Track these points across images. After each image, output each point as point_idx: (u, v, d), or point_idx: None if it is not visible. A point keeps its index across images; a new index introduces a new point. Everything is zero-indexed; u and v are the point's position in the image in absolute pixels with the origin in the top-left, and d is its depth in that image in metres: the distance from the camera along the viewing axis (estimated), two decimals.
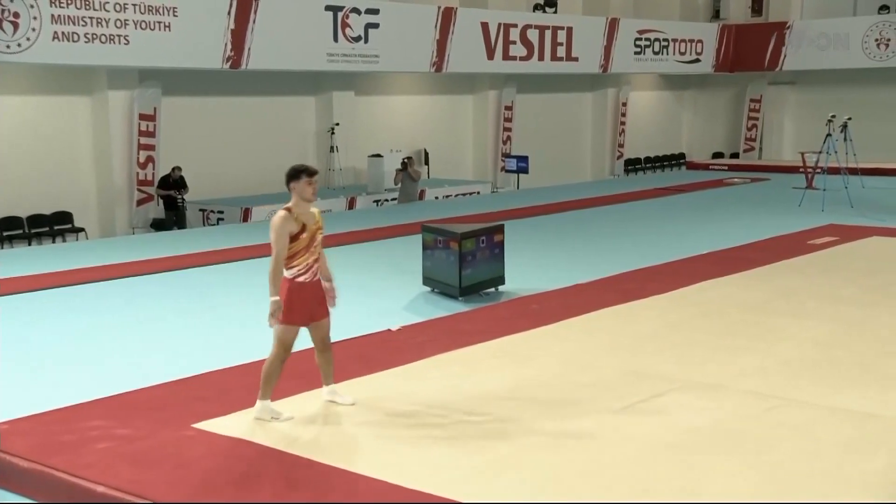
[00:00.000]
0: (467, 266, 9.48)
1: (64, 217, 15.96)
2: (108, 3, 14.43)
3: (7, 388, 6.71)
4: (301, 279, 5.49)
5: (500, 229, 10.11)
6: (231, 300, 9.67)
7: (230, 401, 5.94)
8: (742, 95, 27.87)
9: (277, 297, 5.40)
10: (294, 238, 5.41)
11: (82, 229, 16.07)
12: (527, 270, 10.71)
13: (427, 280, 9.93)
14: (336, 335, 7.60)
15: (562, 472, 4.93)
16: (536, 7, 23.89)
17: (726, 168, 24.41)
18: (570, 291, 9.57)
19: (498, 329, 7.93)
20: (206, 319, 8.90)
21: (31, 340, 8.17)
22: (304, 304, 5.49)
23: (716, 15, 27.90)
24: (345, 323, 8.20)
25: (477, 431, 5.53)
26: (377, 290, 10.01)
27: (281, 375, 5.65)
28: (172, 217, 16.64)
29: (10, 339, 8.25)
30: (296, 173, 5.52)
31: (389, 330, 7.96)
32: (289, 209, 5.44)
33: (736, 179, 21.74)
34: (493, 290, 9.84)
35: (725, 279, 10.06)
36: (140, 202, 16.70)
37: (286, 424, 5.52)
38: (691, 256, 11.50)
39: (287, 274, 5.48)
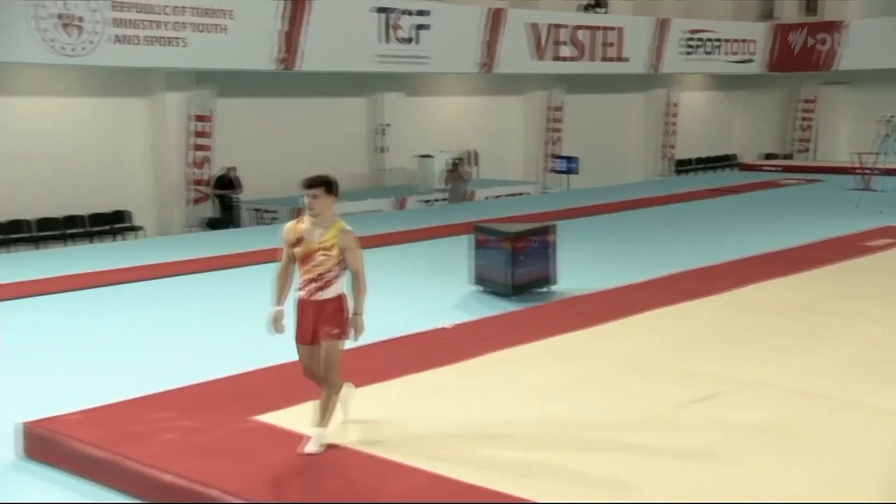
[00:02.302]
0: (519, 265, 9.56)
1: (123, 216, 16.36)
2: (166, 6, 14.78)
3: (78, 380, 6.97)
4: (299, 293, 5.16)
5: (552, 229, 10.18)
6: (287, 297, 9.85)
7: (289, 395, 6.08)
8: (795, 96, 27.48)
9: (275, 307, 5.15)
10: (291, 248, 5.15)
11: (141, 228, 16.45)
12: (578, 270, 10.74)
13: (478, 279, 10.02)
14: (389, 332, 7.80)
15: (619, 468, 4.98)
16: (587, 7, 23.84)
17: (779, 169, 24.12)
18: (623, 291, 9.58)
19: (550, 328, 7.98)
20: (262, 315, 9.07)
21: (98, 334, 8.45)
22: (302, 320, 5.14)
23: (768, 14, 27.55)
24: (398, 321, 8.39)
25: (531, 429, 5.60)
26: (428, 289, 10.13)
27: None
28: (227, 216, 16.96)
29: (78, 332, 8.55)
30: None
31: (443, 328, 8.07)
32: (299, 219, 5.19)
33: (789, 180, 21.48)
34: (544, 289, 9.90)
35: (779, 280, 9.99)
36: (195, 201, 17.05)
37: (340, 417, 5.62)
38: (744, 257, 11.43)
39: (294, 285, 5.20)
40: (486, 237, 9.85)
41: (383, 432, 5.52)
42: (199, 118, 16.83)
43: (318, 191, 5.01)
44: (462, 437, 5.46)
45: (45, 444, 5.43)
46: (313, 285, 5.09)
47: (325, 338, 5.08)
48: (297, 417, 5.65)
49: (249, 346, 7.73)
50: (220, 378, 6.54)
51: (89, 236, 15.85)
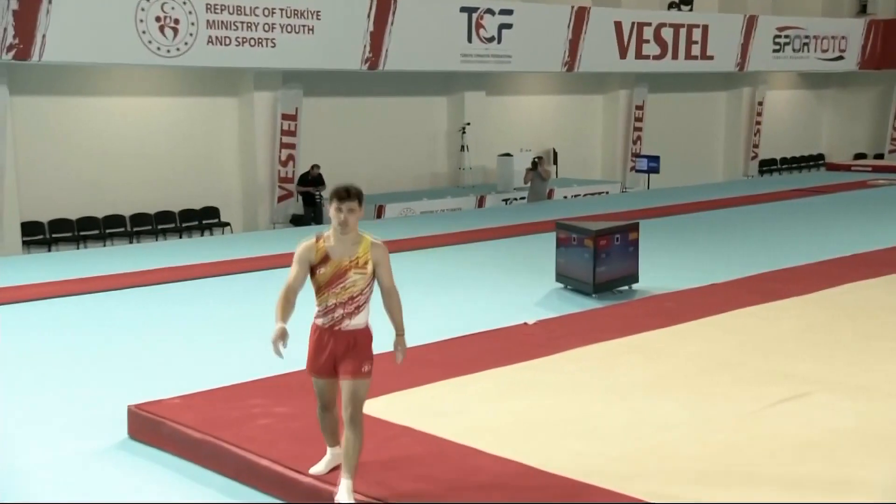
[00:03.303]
0: (601, 263, 9.56)
1: (211, 212, 16.87)
2: (257, 7, 15.20)
3: (176, 367, 7.28)
4: (318, 321, 4.57)
5: (635, 227, 10.15)
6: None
7: (381, 384, 6.21)
8: (888, 94, 26.65)
9: (280, 324, 4.45)
10: (313, 270, 4.52)
11: (228, 224, 16.94)
12: (661, 269, 10.68)
13: (560, 277, 10.06)
14: (472, 328, 7.92)
15: (707, 466, 4.99)
16: (671, 5, 23.58)
17: (870, 169, 23.42)
18: (706, 291, 9.50)
19: (633, 326, 7.98)
20: None
21: (193, 323, 8.79)
22: (321, 352, 4.55)
23: (862, 10, 26.77)
24: (481, 316, 8.50)
25: (614, 424, 5.65)
26: (510, 286, 10.21)
27: (328, 428, 4.83)
28: (311, 213, 17.32)
29: (172, 321, 8.91)
30: (330, 193, 4.53)
31: (525, 324, 8.14)
32: (319, 236, 4.56)
33: (881, 181, 20.84)
34: (626, 287, 9.89)
35: (870, 282, 9.76)
36: (280, 198, 17.46)
37: (432, 409, 5.74)
38: (833, 258, 11.19)
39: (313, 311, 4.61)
40: (568, 234, 9.88)
41: (473, 423, 5.63)
42: (286, 117, 17.23)
43: (354, 204, 4.43)
44: (551, 430, 5.53)
45: (148, 426, 5.70)
46: (340, 311, 4.49)
47: (358, 376, 4.49)
48: (388, 407, 5.80)
49: None
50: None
51: (179, 232, 16.40)
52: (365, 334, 4.58)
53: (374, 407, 5.85)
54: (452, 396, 6.07)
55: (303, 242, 4.55)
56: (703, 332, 7.89)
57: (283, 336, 4.40)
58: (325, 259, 4.47)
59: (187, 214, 16.63)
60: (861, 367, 6.77)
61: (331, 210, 4.47)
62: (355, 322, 4.52)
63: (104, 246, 15.06)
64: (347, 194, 4.41)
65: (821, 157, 27.60)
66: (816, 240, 13.03)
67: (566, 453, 5.12)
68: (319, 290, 4.51)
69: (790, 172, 26.47)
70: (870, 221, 14.85)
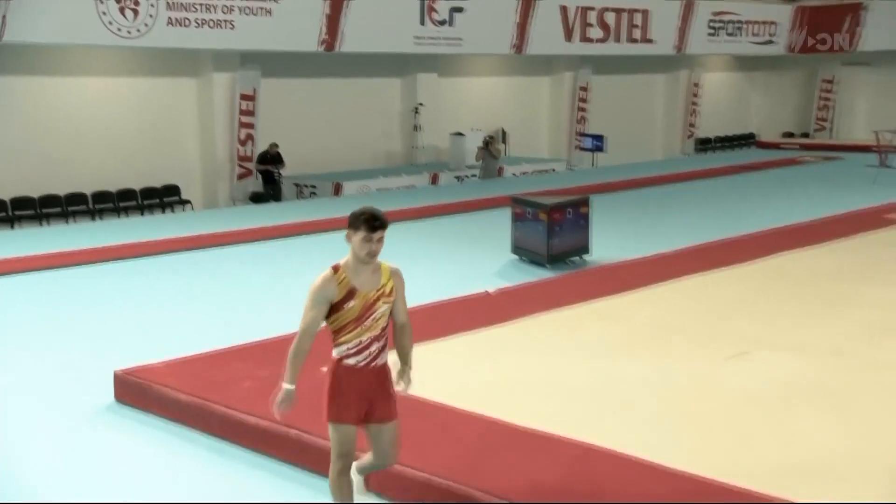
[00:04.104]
0: (555, 235, 9.79)
1: (172, 190, 16.70)
2: None
3: (158, 336, 7.30)
4: (350, 361, 3.91)
5: (586, 202, 10.38)
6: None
7: None
8: (814, 76, 27.36)
9: (291, 387, 3.91)
10: (337, 307, 3.88)
11: (188, 201, 16.79)
12: (609, 241, 10.95)
13: (516, 249, 10.25)
14: (435, 296, 8.06)
15: (667, 418, 5.24)
16: None
17: (798, 147, 24.10)
18: (653, 260, 9.79)
19: (588, 293, 8.22)
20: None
21: (169, 296, 8.79)
22: (353, 395, 3.92)
23: None
24: (443, 287, 8.65)
25: (583, 382, 5.86)
26: (468, 258, 10.38)
27: (347, 492, 4.07)
28: (270, 190, 17.25)
29: (140, 293, 8.89)
30: (354, 220, 3.90)
31: (487, 292, 8.31)
32: (336, 267, 3.92)
33: (808, 158, 21.48)
34: (578, 258, 10.13)
35: (803, 251, 10.16)
36: (240, 176, 17.33)
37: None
38: (768, 229, 11.58)
39: (334, 353, 3.97)
40: (523, 209, 10.07)
41: (446, 383, 5.78)
42: (244, 97, 17.08)
43: (384, 233, 3.90)
44: (521, 388, 5.72)
45: (134, 390, 5.75)
46: (375, 346, 3.93)
47: (395, 415, 4.03)
48: None
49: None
50: (290, 334, 6.80)
51: (140, 209, 16.21)
52: (387, 366, 4.06)
53: None
54: (428, 360, 6.20)
55: (319, 279, 3.88)
56: (653, 297, 8.16)
57: (289, 400, 3.91)
58: (352, 293, 3.87)
59: (149, 192, 16.42)
60: (798, 327, 7.09)
61: (356, 239, 3.86)
62: (386, 355, 4.01)
63: (66, 223, 14.84)
64: (381, 224, 3.86)
65: (752, 135, 28.25)
66: (753, 212, 13.44)
67: (537, 409, 5.31)
68: (345, 328, 3.89)
69: (724, 150, 27.05)
70: (801, 195, 15.34)
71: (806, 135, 27.15)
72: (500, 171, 19.37)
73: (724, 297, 8.13)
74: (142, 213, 16.06)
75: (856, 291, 8.24)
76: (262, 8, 15.58)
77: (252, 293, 8.91)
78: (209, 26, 14.98)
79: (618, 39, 22.04)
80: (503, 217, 10.51)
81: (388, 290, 3.94)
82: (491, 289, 8.46)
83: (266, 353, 6.26)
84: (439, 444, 4.80)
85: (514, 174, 19.68)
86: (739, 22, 25.06)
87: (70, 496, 4.65)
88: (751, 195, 15.62)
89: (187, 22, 14.69)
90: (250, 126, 17.27)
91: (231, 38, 15.36)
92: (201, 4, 14.82)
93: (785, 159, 21.26)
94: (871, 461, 4.63)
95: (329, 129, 18.75)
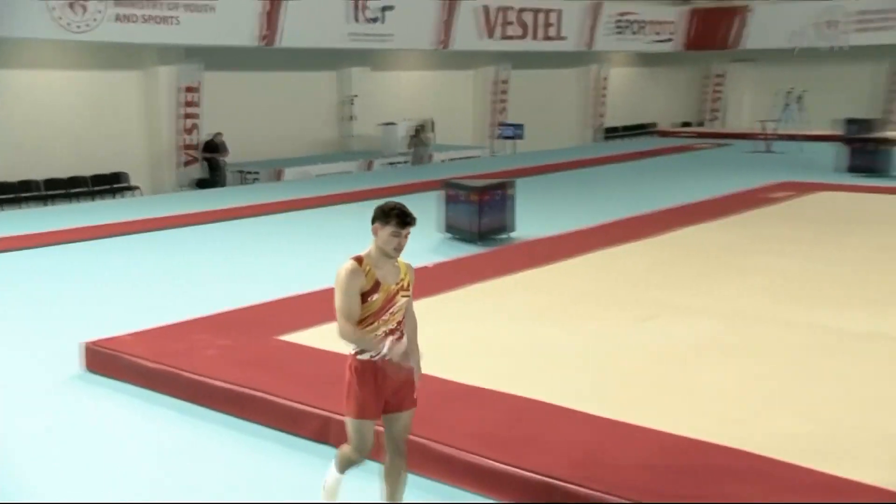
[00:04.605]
0: (484, 215, 9.98)
1: (121, 177, 16.31)
2: None
3: (125, 310, 7.22)
4: (365, 356, 3.62)
5: (511, 185, 10.59)
6: (283, 243, 10.16)
7: (302, 319, 6.42)
8: (707, 72, 28.23)
9: (391, 337, 3.59)
10: (362, 298, 3.59)
11: (137, 188, 16.43)
12: (531, 219, 11.17)
13: (449, 227, 10.40)
14: None
15: (591, 375, 5.48)
16: None
17: (693, 135, 24.85)
18: (569, 237, 10.07)
19: (514, 266, 8.44)
20: (268, 258, 9.40)
21: (135, 273, 8.67)
22: (376, 389, 3.64)
23: None
24: None
25: (518, 342, 6.07)
26: None
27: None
28: (214, 177, 17.01)
29: (96, 273, 8.75)
30: (383, 214, 3.61)
31: (425, 266, 8.44)
32: (359, 259, 3.63)
33: (702, 145, 22.20)
34: (504, 235, 10.35)
35: (699, 226, 10.58)
36: (186, 164, 17.04)
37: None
38: (668, 208, 12.00)
39: (350, 347, 3.68)
40: (455, 191, 10.23)
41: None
42: (188, 89, 16.77)
43: (411, 229, 3.65)
44: (459, 350, 5.88)
45: (104, 359, 5.72)
46: (392, 339, 3.61)
47: (414, 404, 3.77)
48: (312, 337, 6.01)
49: (261, 282, 8.07)
50: (244, 307, 6.86)
51: (91, 195, 15.79)
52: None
53: (301, 336, 6.05)
54: None
55: (345, 272, 3.57)
56: (570, 270, 8.43)
57: (403, 347, 3.60)
58: (377, 285, 3.60)
59: (99, 179, 16.01)
60: (700, 293, 7.45)
61: (384, 232, 3.58)
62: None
63: (20, 209, 14.36)
64: (412, 220, 3.61)
65: (653, 124, 28.97)
66: (655, 193, 13.88)
67: (479, 368, 5.50)
68: (364, 321, 3.59)
69: (629, 138, 27.69)
70: (698, 176, 15.90)
71: (700, 124, 28.04)
72: (429, 158, 19.48)
73: (633, 268, 8.45)
74: (93, 199, 15.65)
75: (748, 261, 8.66)
76: (205, 5, 15.29)
77: (202, 271, 8.86)
78: (155, 22, 14.64)
79: (534, 37, 22.35)
80: (433, 199, 10.63)
81: (406, 283, 3.71)
82: (428, 263, 8.59)
83: (223, 324, 6.30)
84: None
85: (441, 160, 19.82)
86: (642, 22, 25.64)
87: (48, 455, 4.63)
88: (653, 178, 16.11)
89: (134, 18, 14.33)
90: (195, 116, 16.96)
91: (175, 34, 15.05)
92: (147, 1, 14.46)
93: (682, 146, 21.93)
94: (770, 400, 4.98)
95: (270, 120, 18.55)
